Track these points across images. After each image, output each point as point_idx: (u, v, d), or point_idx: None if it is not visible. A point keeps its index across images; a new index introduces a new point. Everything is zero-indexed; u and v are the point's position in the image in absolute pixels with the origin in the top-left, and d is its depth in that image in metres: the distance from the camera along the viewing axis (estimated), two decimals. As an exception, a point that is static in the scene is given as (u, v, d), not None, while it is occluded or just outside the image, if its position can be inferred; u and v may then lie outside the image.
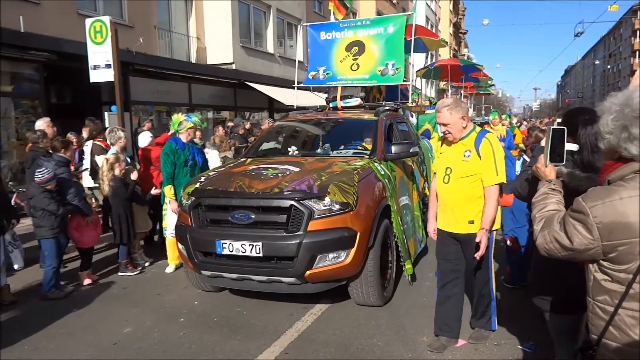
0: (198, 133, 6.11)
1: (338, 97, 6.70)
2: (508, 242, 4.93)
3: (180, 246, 4.47)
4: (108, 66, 7.67)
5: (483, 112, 42.47)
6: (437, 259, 3.68)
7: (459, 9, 61.82)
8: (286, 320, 4.21)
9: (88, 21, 7.85)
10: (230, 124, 12.89)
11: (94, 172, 6.71)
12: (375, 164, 4.80)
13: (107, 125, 9.12)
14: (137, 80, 12.30)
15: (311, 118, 6.26)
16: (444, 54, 40.73)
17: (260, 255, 3.94)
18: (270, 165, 4.72)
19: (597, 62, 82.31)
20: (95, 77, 7.87)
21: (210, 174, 4.79)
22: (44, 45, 9.38)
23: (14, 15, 9.02)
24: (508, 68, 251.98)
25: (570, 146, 2.12)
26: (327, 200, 3.97)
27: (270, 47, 18.36)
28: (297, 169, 4.49)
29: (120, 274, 5.66)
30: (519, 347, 3.64)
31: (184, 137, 5.61)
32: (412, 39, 7.03)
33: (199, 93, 15.11)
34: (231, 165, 5.19)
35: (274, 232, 4.00)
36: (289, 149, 5.62)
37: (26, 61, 9.57)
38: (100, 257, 6.39)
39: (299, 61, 7.92)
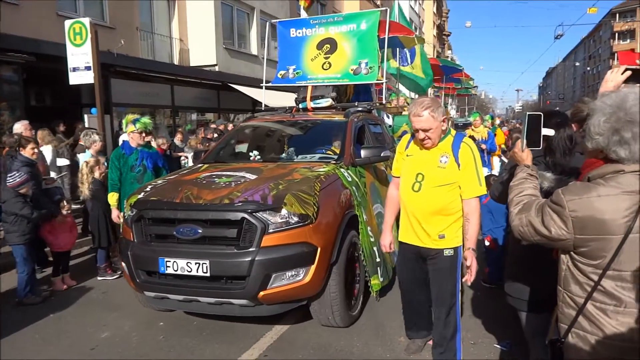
0: (149, 137, 5.68)
1: (308, 98, 6.28)
2: (486, 242, 5.00)
3: (122, 263, 4.03)
4: (88, 68, 7.58)
5: (467, 114, 42.83)
6: (398, 277, 3.34)
7: (442, 11, 62.32)
8: (266, 323, 4.14)
9: (67, 22, 7.76)
10: (213, 125, 12.86)
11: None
12: (342, 169, 4.39)
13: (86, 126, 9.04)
14: (118, 82, 12.17)
15: (277, 120, 5.84)
16: (426, 47, 40.98)
17: (208, 274, 3.52)
18: (224, 172, 4.30)
19: (577, 64, 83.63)
20: (74, 79, 7.77)
21: (159, 182, 4.34)
22: (23, 47, 9.24)
23: (-8, 17, 8.88)
24: (491, 70, 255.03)
25: (546, 131, 2.19)
26: (284, 212, 3.55)
27: (253, 48, 18.29)
28: (253, 177, 4.06)
29: (99, 278, 5.58)
30: (495, 345, 3.70)
31: (131, 141, 5.31)
32: (386, 36, 6.63)
33: (182, 95, 15.01)
34: (184, 172, 4.74)
35: (223, 249, 3.57)
36: (250, 154, 5.17)
37: (5, 63, 9.41)
38: (79, 262, 6.32)
39: (267, 59, 7.46)
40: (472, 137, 9.34)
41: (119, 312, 4.58)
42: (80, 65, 7.62)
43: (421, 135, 2.93)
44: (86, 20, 7.61)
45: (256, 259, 3.46)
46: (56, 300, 4.98)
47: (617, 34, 64.49)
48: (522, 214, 1.86)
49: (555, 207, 1.73)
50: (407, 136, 3.25)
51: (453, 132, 3.09)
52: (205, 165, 4.86)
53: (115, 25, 12.36)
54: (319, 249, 3.62)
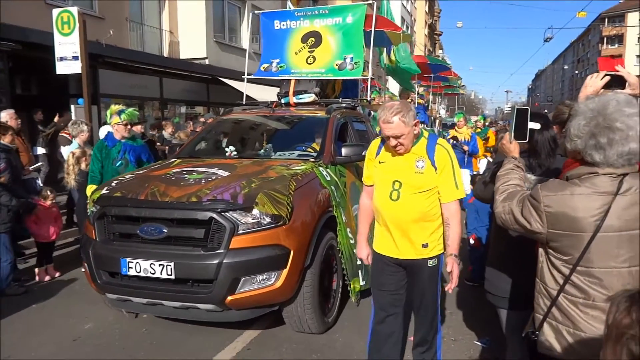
0: (139, 127, 5.44)
1: (290, 92, 6.03)
2: (471, 240, 5.06)
3: (84, 263, 3.80)
4: (75, 58, 7.49)
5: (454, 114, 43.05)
6: (372, 290, 3.10)
7: (434, 11, 62.45)
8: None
9: (55, 11, 7.66)
10: (202, 119, 12.78)
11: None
12: (321, 168, 4.19)
13: (73, 118, 8.95)
14: (106, 73, 12.00)
15: (256, 115, 5.61)
16: (416, 51, 41.16)
17: (172, 277, 3.31)
18: (196, 169, 4.08)
19: (566, 67, 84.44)
20: (61, 68, 7.68)
21: (127, 177, 4.10)
22: (9, 35, 9.08)
23: (-23, 4, 8.74)
24: (480, 70, 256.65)
25: (533, 125, 2.31)
26: (255, 212, 3.36)
27: (245, 42, 18.20)
28: (225, 174, 3.85)
29: (83, 269, 5.57)
30: (475, 342, 3.76)
31: (115, 133, 5.11)
32: (372, 30, 6.35)
33: (171, 87, 14.87)
34: (155, 167, 4.49)
35: (189, 250, 3.37)
36: (226, 149, 4.96)
37: (-10, 50, 9.28)
38: (64, 252, 6.28)
39: (253, 52, 7.19)
40: (455, 137, 9.12)
41: (102, 304, 4.53)
42: (68, 55, 7.52)
43: (393, 142, 2.71)
44: (74, 9, 7.52)
45: (224, 261, 3.26)
46: (39, 291, 4.95)
47: (605, 39, 65.19)
48: (505, 202, 1.94)
49: (533, 201, 1.81)
50: (377, 141, 2.98)
51: (426, 133, 2.88)
52: (178, 160, 4.64)
53: (105, 16, 12.19)
54: (291, 252, 3.43)
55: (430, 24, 58.01)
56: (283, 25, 6.54)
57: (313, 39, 6.35)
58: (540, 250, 1.88)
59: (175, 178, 3.85)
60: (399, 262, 2.88)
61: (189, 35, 15.50)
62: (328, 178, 4.18)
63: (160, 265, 3.34)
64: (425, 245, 2.81)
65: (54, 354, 3.66)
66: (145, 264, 3.37)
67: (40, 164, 8.01)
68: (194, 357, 3.59)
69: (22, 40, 9.25)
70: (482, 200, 2.78)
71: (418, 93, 13.11)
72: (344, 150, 4.51)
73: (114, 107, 5.15)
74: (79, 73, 7.59)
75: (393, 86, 28.29)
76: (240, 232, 3.33)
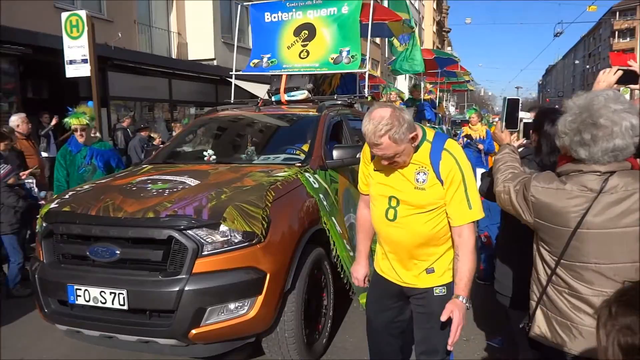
0: (93, 131, 5.00)
1: (282, 89, 5.52)
2: (482, 238, 5.01)
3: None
4: (84, 61, 7.52)
5: (466, 110, 42.74)
6: (367, 315, 2.56)
7: (442, 8, 62.15)
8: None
9: (64, 15, 7.72)
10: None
11: None
12: (307, 174, 3.64)
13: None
14: (116, 76, 12.14)
15: (241, 114, 5.11)
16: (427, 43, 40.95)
17: (125, 307, 2.81)
18: (164, 177, 3.56)
19: (577, 61, 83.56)
20: (71, 72, 7.72)
21: (85, 187, 3.60)
22: (19, 39, 9.21)
23: (-12, 9, 8.85)
24: (490, 67, 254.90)
25: (523, 114, 2.48)
26: (223, 229, 2.83)
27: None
28: (195, 183, 3.32)
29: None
30: (488, 342, 3.72)
31: (78, 138, 4.76)
32: (370, 22, 5.81)
33: (180, 89, 14.99)
34: (121, 175, 3.96)
35: (145, 275, 2.85)
36: (205, 153, 4.42)
37: (1, 55, 9.36)
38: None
39: (240, 47, 6.72)
40: (468, 135, 8.38)
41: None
42: (77, 58, 7.56)
43: (385, 161, 2.15)
44: (83, 13, 7.56)
45: (186, 288, 2.74)
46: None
47: (617, 32, 64.46)
48: (507, 182, 1.98)
49: (524, 189, 1.88)
50: None
51: (430, 134, 2.21)
52: (149, 167, 4.11)
53: (113, 18, 12.36)
54: (268, 275, 2.90)
55: (439, 21, 57.74)
56: (274, 17, 6.09)
57: (306, 32, 5.87)
58: (534, 238, 1.95)
59: (136, 188, 3.32)
60: (400, 288, 2.34)
61: (197, 37, 15.58)
62: (316, 185, 3.64)
63: (111, 293, 2.82)
64: (430, 271, 2.25)
65: (66, 355, 3.64)
66: (94, 291, 2.86)
67: (35, 168, 8.07)
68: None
69: (32, 44, 9.36)
70: (486, 197, 2.59)
71: (427, 89, 12.49)
72: (335, 153, 3.98)
73: (82, 107, 4.81)
74: (88, 76, 7.65)
75: (401, 84, 28.20)
76: (206, 253, 2.80)
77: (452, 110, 32.52)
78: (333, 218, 3.65)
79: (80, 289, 2.90)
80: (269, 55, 6.00)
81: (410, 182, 2.17)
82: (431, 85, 13.47)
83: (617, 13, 62.85)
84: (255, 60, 6.13)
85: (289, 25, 5.95)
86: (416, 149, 2.16)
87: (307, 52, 5.79)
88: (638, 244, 1.66)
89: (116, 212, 2.97)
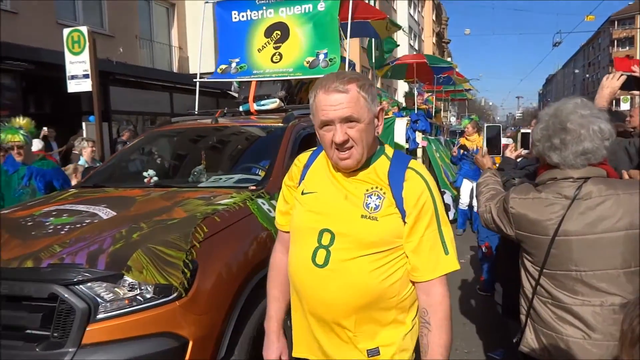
0: (21, 151, 4.11)
1: (250, 98, 4.82)
2: (483, 249, 4.99)
3: None
4: (86, 76, 7.60)
5: (460, 120, 42.70)
6: None
7: (441, 19, 62.60)
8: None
9: (66, 31, 7.82)
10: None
11: None
12: (260, 200, 2.89)
13: (84, 135, 9.10)
14: (117, 90, 12.25)
15: (195, 127, 4.46)
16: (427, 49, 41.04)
17: None
18: (76, 206, 2.87)
19: (576, 71, 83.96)
20: (73, 87, 7.80)
21: None
22: (22, 55, 9.31)
23: (-9, 25, 8.96)
24: (490, 77, 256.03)
25: (505, 140, 2.50)
26: (128, 281, 2.11)
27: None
28: (110, 215, 2.65)
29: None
30: (489, 354, 3.69)
31: (15, 156, 4.13)
32: (349, 20, 5.05)
33: (182, 102, 15.09)
34: (32, 202, 3.23)
35: (19, 348, 2.04)
36: (145, 174, 3.73)
37: (4, 71, 9.47)
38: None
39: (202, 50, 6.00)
40: (464, 146, 7.77)
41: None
42: (79, 73, 7.65)
43: (340, 136, 1.46)
44: (84, 29, 7.65)
45: None
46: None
47: (616, 41, 64.74)
48: (488, 202, 2.05)
49: (503, 203, 1.92)
50: (304, 155, 1.74)
51: (389, 149, 1.63)
52: (73, 191, 3.44)
53: (115, 34, 12.48)
54: (190, 343, 2.13)
55: (438, 32, 58.11)
56: (242, 16, 5.36)
57: (279, 33, 5.16)
58: (519, 252, 1.96)
59: (32, 223, 2.61)
60: None
61: (198, 51, 15.68)
62: (272, 214, 2.77)
63: None
64: (373, 353, 1.52)
65: None
66: None
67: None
68: None
69: (34, 59, 9.49)
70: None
71: (423, 97, 11.95)
72: None
73: (17, 122, 4.22)
74: (90, 91, 7.72)
75: (401, 92, 28.30)
76: (102, 316, 2.05)
77: (453, 120, 32.48)
78: None
79: None
80: (237, 60, 5.33)
81: (355, 207, 1.51)
82: (429, 94, 12.96)
83: (616, 22, 63.20)
84: (223, 66, 5.45)
85: (260, 25, 5.28)
86: (371, 159, 1.57)
87: (280, 55, 5.12)
88: (616, 249, 1.66)
89: None
